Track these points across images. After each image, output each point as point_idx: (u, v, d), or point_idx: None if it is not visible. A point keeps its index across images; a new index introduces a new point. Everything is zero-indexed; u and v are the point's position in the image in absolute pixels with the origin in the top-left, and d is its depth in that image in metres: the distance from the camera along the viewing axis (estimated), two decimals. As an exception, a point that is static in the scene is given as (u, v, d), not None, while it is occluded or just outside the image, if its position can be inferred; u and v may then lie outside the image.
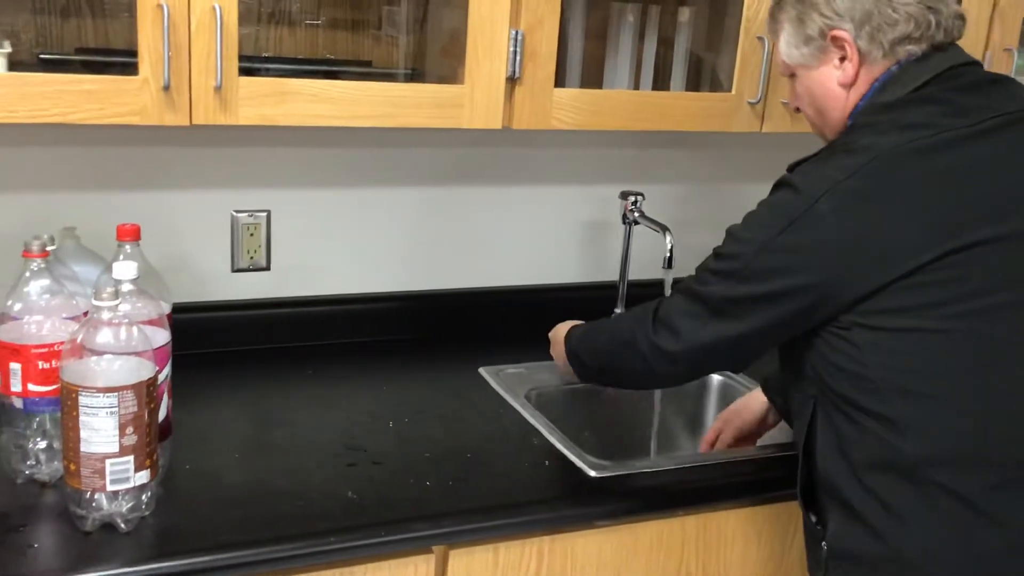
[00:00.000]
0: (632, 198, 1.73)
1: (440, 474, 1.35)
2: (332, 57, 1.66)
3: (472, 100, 1.44)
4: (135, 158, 1.58)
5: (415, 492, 1.30)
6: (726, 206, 2.01)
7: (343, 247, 1.76)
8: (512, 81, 1.46)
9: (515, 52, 1.44)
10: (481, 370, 1.69)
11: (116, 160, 1.57)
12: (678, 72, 1.72)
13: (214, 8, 1.26)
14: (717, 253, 1.24)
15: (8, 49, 1.26)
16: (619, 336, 1.35)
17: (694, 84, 1.76)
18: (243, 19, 1.31)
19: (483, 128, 1.47)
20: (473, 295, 1.86)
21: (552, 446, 1.44)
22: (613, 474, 1.37)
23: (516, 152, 1.83)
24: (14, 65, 1.28)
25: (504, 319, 1.88)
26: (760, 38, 1.58)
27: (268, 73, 1.46)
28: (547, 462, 1.41)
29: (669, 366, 1.29)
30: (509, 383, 1.64)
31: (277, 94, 1.35)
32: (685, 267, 1.81)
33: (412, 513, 1.25)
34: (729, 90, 1.61)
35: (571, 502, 1.33)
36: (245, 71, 1.33)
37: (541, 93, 1.48)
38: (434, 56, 1.64)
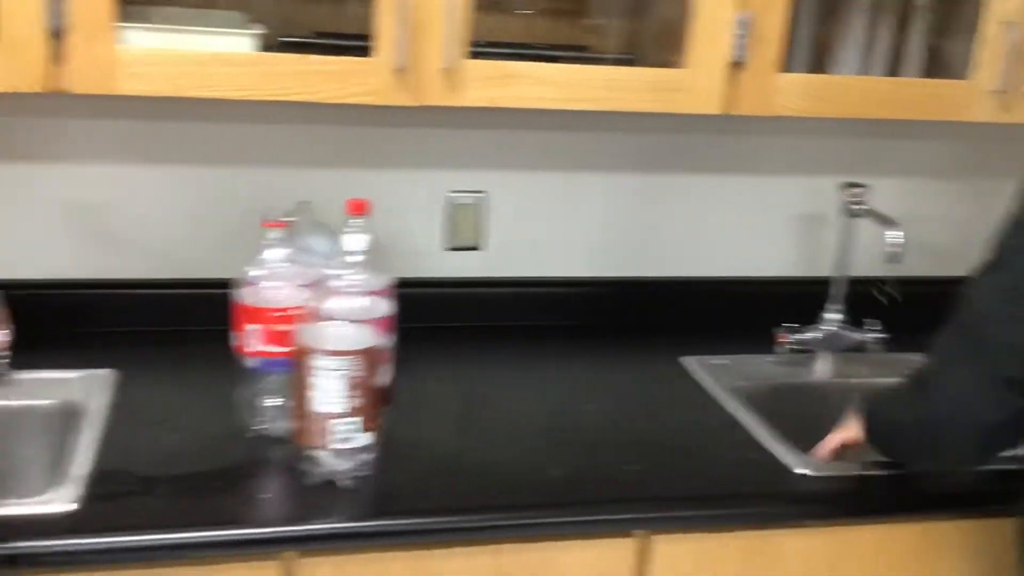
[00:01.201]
0: (856, 189, 1.66)
1: (642, 460, 1.34)
2: (549, 43, 1.67)
3: (693, 84, 1.42)
4: (363, 137, 1.66)
5: (617, 475, 1.30)
6: (962, 202, 1.90)
7: (555, 230, 1.78)
8: (736, 65, 1.43)
9: (741, 36, 1.41)
10: (683, 360, 1.67)
11: (346, 139, 1.65)
12: (913, 58, 1.63)
13: (447, -8, 1.31)
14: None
15: (260, 31, 1.34)
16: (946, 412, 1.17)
17: (929, 71, 1.66)
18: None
19: (702, 113, 1.44)
20: (681, 284, 1.84)
21: (758, 441, 1.41)
22: (825, 474, 1.33)
23: (733, 140, 1.79)
24: (263, 48, 1.36)
25: (710, 310, 1.85)
26: (1007, 23, 1.48)
27: (491, 57, 1.49)
28: (753, 456, 1.37)
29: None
30: (713, 374, 1.62)
31: (502, 76, 1.38)
32: (912, 265, 1.73)
33: (614, 495, 1.26)
34: (968, 78, 1.52)
35: (779, 499, 1.29)
36: (473, 55, 1.37)
37: (766, 78, 1.44)
38: (649, 42, 1.62)
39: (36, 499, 1.13)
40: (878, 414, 1.30)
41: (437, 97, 1.35)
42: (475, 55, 1.37)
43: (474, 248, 1.76)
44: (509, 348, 1.70)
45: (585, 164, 1.76)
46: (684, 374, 1.63)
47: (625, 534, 1.25)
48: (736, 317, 1.85)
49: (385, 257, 1.48)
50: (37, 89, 1.23)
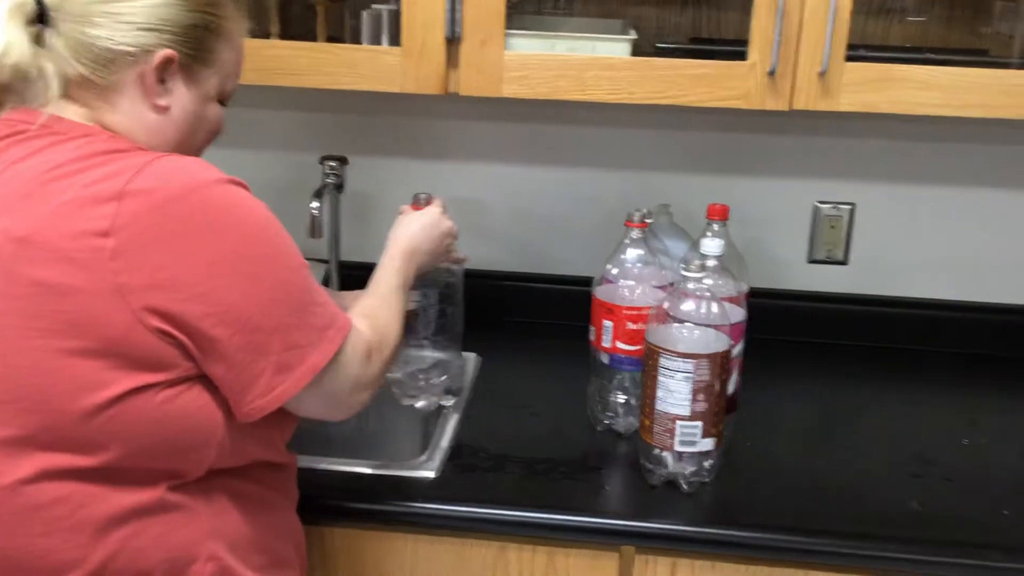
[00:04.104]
0: None
1: (1018, 503, 1.21)
2: (939, 47, 1.55)
3: (1111, 90, 1.26)
4: (728, 143, 1.64)
5: (989, 518, 1.18)
6: None
7: (926, 248, 1.65)
8: None
9: None
10: (1081, 400, 1.48)
11: (710, 144, 1.65)
12: None
13: (828, -5, 1.26)
14: None
15: (633, 36, 1.37)
16: None
17: None
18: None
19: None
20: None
21: None
22: None
23: None
24: (635, 53, 1.39)
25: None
26: None
27: (870, 61, 1.42)
28: None
29: None
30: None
31: (881, 80, 1.30)
32: None
33: (984, 539, 1.14)
34: None
35: None
36: (849, 58, 1.31)
37: None
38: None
39: (407, 463, 1.25)
40: None
41: (809, 102, 1.31)
42: (852, 59, 1.30)
43: (840, 263, 1.68)
44: (869, 369, 1.60)
45: (961, 178, 1.61)
46: (1080, 416, 1.45)
47: (995, 583, 1.13)
48: None
49: (744, 265, 1.45)
50: (435, 91, 1.35)
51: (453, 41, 1.33)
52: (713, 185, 1.66)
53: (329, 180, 1.53)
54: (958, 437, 1.38)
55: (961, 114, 1.31)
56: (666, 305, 1.22)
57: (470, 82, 1.34)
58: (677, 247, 1.46)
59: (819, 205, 1.66)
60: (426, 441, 1.32)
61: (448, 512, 1.18)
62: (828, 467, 1.29)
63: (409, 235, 1.24)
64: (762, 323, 1.56)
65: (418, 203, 1.32)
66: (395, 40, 1.37)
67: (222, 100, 1.04)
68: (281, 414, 0.96)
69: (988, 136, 1.59)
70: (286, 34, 1.47)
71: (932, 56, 1.48)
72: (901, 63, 1.32)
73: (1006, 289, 1.65)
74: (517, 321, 1.70)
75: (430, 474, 1.23)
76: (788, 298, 1.68)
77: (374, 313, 1.09)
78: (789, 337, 1.66)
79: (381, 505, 1.18)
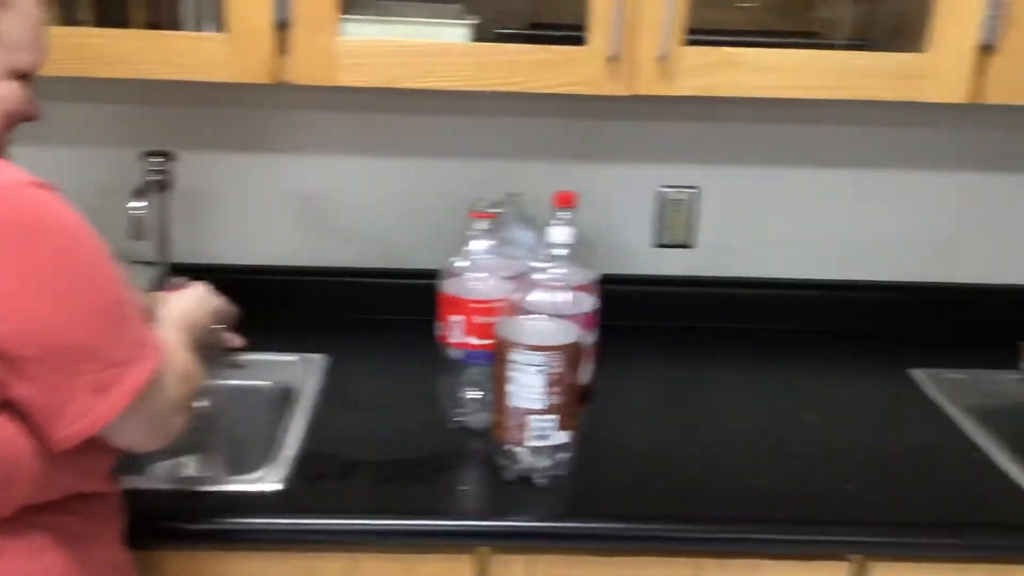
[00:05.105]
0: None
1: (862, 479, 1.24)
2: (773, 31, 1.58)
3: (935, 71, 1.30)
4: (574, 129, 1.63)
5: (834, 494, 1.21)
6: None
7: (769, 229, 1.68)
8: (985, 50, 1.29)
9: (992, 17, 1.27)
10: (913, 372, 1.54)
11: (557, 131, 1.63)
12: None
13: (664, -23, 1.25)
14: None
15: (475, 20, 1.33)
16: None
17: None
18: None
19: (944, 102, 1.31)
20: (909, 289, 1.70)
21: (998, 466, 1.27)
22: (1077, 508, 1.18)
23: (971, 134, 1.63)
24: (476, 38, 1.35)
25: (944, 319, 1.70)
26: None
27: (708, 45, 1.42)
28: (992, 483, 1.24)
29: None
30: (947, 389, 1.48)
31: (720, 64, 1.31)
32: None
33: (830, 515, 1.17)
34: None
35: (1020, 531, 1.16)
36: (687, 43, 1.31)
37: (1020, 63, 1.29)
38: (884, 28, 1.50)
39: (247, 477, 1.18)
40: None
41: (650, 86, 1.30)
42: (692, 43, 1.30)
43: (684, 246, 1.70)
44: (718, 351, 1.62)
45: (803, 159, 1.65)
46: (913, 388, 1.50)
47: (840, 558, 1.16)
48: (974, 328, 1.69)
49: (592, 252, 1.44)
50: (263, 80, 1.28)
51: (283, 26, 1.26)
52: (561, 172, 1.64)
53: (152, 177, 1.43)
54: (804, 414, 1.41)
55: (797, 95, 1.33)
56: (515, 297, 1.19)
57: (302, 70, 1.27)
58: (528, 237, 1.44)
59: (663, 189, 1.67)
60: (270, 451, 1.25)
61: (295, 526, 1.12)
62: (682, 451, 1.30)
63: (182, 308, 1.11)
64: (611, 310, 1.55)
65: (175, 287, 1.20)
66: (221, 26, 1.28)
67: (19, 77, 0.93)
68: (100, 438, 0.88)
69: (825, 117, 1.63)
70: (101, 21, 1.36)
71: (767, 40, 1.51)
72: (739, 47, 1.33)
73: (848, 267, 1.70)
74: (365, 319, 1.64)
75: (274, 486, 1.16)
76: (636, 283, 1.68)
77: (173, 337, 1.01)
78: (639, 322, 1.66)
79: (221, 523, 1.11)
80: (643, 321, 1.67)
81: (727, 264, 1.70)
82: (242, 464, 1.27)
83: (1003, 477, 1.25)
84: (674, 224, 1.69)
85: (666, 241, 1.70)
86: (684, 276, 1.70)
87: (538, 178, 1.61)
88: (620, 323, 1.61)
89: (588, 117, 1.62)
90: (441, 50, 1.29)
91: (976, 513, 1.18)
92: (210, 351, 1.18)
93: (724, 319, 1.69)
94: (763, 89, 1.32)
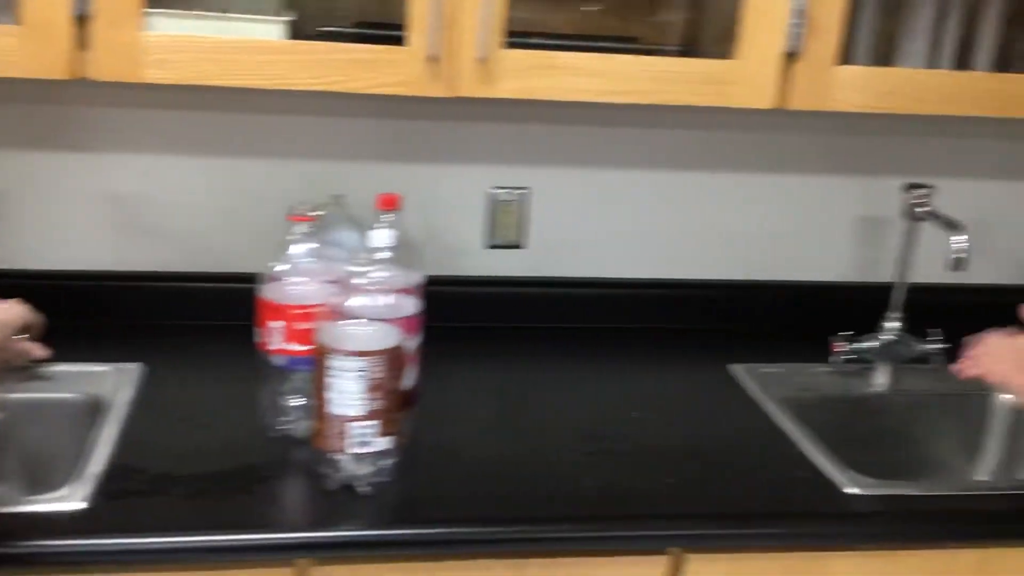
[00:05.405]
0: (919, 191, 1.56)
1: (682, 472, 1.27)
2: (599, 34, 1.61)
3: (744, 77, 1.34)
4: (403, 130, 1.61)
5: (654, 489, 1.23)
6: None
7: (600, 229, 1.71)
8: (791, 57, 1.34)
9: (796, 25, 1.32)
10: (732, 367, 1.59)
11: (385, 132, 1.60)
12: (984, 50, 1.52)
13: (483, -22, 1.25)
14: None
15: (291, 17, 1.30)
16: None
17: (1004, 64, 1.55)
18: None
19: (754, 107, 1.36)
20: (729, 287, 1.76)
21: (806, 456, 1.33)
22: (876, 493, 1.24)
23: (787, 138, 1.70)
24: (297, 36, 1.32)
25: (762, 315, 1.77)
26: (1089, 12, 1.37)
27: (531, 48, 1.43)
28: (800, 473, 1.29)
29: None
30: (763, 383, 1.53)
31: (541, 67, 1.32)
32: (976, 273, 1.62)
33: (649, 510, 1.19)
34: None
35: (827, 519, 1.21)
36: (510, 46, 1.31)
37: (823, 71, 1.35)
38: (706, 34, 1.54)
39: (47, 496, 1.10)
40: None
41: (471, 88, 1.30)
42: (515, 45, 1.31)
43: (516, 247, 1.70)
44: (550, 351, 1.63)
45: (631, 161, 1.69)
46: (732, 383, 1.55)
47: (659, 552, 1.18)
48: (790, 324, 1.76)
49: (420, 254, 1.43)
50: (61, 76, 1.20)
51: (83, 19, 1.19)
52: (390, 173, 1.62)
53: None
54: (628, 410, 1.44)
55: (617, 100, 1.35)
56: (334, 301, 1.17)
57: (104, 66, 1.21)
58: (352, 239, 1.41)
59: (494, 190, 1.67)
60: (75, 468, 1.18)
61: (99, 547, 1.06)
62: (510, 453, 1.30)
63: None
64: (442, 312, 1.54)
65: None
66: (15, 18, 1.20)
67: None
68: None
69: (650, 120, 1.66)
70: None
71: (588, 44, 1.53)
72: (563, 51, 1.34)
73: (673, 265, 1.75)
74: (183, 325, 1.57)
75: (77, 505, 1.09)
76: (468, 284, 1.68)
77: None
78: (470, 324, 1.66)
79: (16, 547, 1.03)
80: (475, 322, 1.67)
81: (557, 264, 1.71)
82: (43, 483, 1.19)
83: (812, 467, 1.30)
84: (505, 225, 1.70)
85: (498, 242, 1.70)
86: (516, 277, 1.71)
87: (368, 180, 1.58)
88: (453, 325, 1.62)
89: (419, 118, 1.60)
90: (256, 47, 1.25)
91: (786, 503, 1.23)
92: (9, 363, 1.10)
93: (555, 319, 1.71)
94: (582, 93, 1.34)
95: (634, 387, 1.53)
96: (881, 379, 1.60)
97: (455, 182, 1.65)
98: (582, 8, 1.60)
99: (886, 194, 1.69)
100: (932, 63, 1.51)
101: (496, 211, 1.68)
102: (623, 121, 1.66)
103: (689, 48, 1.54)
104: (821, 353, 1.62)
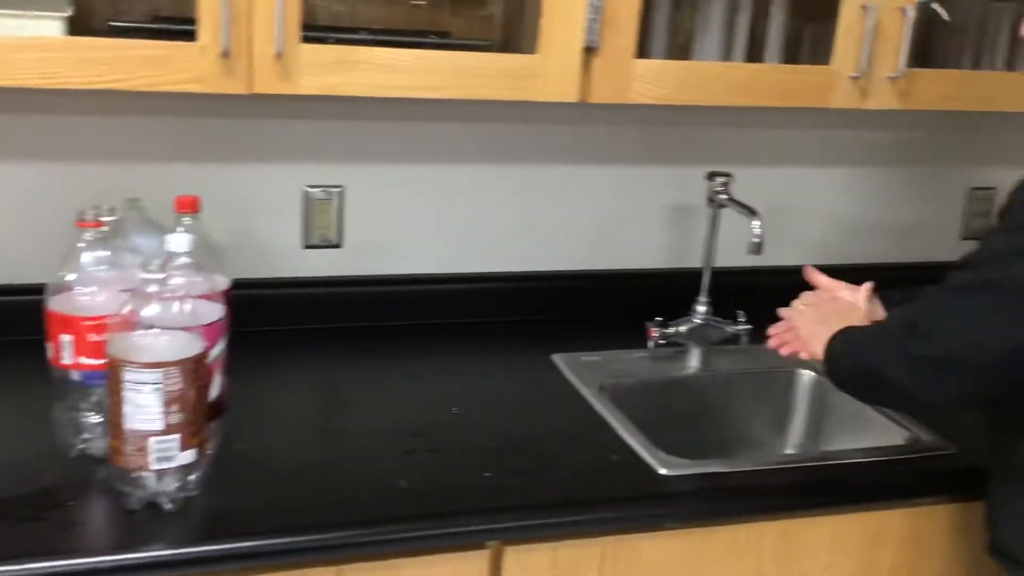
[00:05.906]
0: (720, 179, 1.62)
1: (500, 466, 1.28)
2: (406, 28, 1.59)
3: (546, 71, 1.36)
4: (209, 129, 1.55)
5: (472, 484, 1.23)
6: (824, 191, 1.89)
7: (418, 225, 1.70)
8: (589, 51, 1.37)
9: (593, 20, 1.35)
10: (554, 357, 1.61)
11: (187, 131, 1.54)
12: (774, 43, 1.60)
13: (276, -29, 1.22)
14: (1009, 229, 1.04)
15: (69, 12, 1.22)
16: (876, 352, 1.13)
17: (792, 56, 1.63)
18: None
19: (557, 101, 1.38)
20: (548, 278, 1.78)
21: (622, 440, 1.36)
22: (685, 472, 1.28)
23: (596, 130, 1.74)
24: (82, 32, 1.25)
25: (581, 304, 1.80)
26: (864, 7, 1.45)
27: (336, 43, 1.41)
28: (616, 457, 1.32)
29: (955, 386, 1.05)
30: (583, 372, 1.56)
31: (342, 62, 1.29)
32: (775, 255, 1.70)
33: (466, 506, 1.19)
34: (829, 63, 1.49)
35: (638, 501, 1.24)
36: (313, 40, 1.28)
37: (620, 64, 1.38)
38: (527, 29, 1.55)
39: None
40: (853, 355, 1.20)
41: (268, 85, 1.26)
42: (321, 40, 1.28)
43: (333, 246, 1.67)
44: (369, 351, 1.61)
45: (446, 156, 1.68)
46: (555, 373, 1.57)
47: (478, 546, 1.18)
48: (609, 312, 1.81)
49: (236, 257, 1.38)
50: None
51: None
52: (196, 174, 1.56)
53: None
54: (449, 407, 1.43)
55: (421, 95, 1.34)
56: (128, 311, 1.11)
57: None
58: (153, 245, 1.34)
59: (308, 189, 1.63)
60: None
61: None
62: (325, 457, 1.27)
63: None
64: (258, 315, 1.50)
65: None
66: None
67: None
68: None
69: (464, 115, 1.66)
70: None
71: (395, 39, 1.51)
72: (367, 45, 1.31)
73: (493, 259, 1.76)
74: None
75: None
76: (285, 286, 1.64)
77: None
78: (288, 326, 1.62)
79: None
80: (293, 325, 1.63)
81: (375, 262, 1.69)
82: None
83: (628, 451, 1.33)
84: (322, 224, 1.66)
85: (315, 242, 1.67)
86: (333, 276, 1.68)
87: (170, 182, 1.52)
88: (269, 328, 1.58)
89: (228, 116, 1.55)
90: (32, 45, 1.18)
91: (602, 488, 1.25)
92: None
93: (375, 318, 1.69)
94: (390, 89, 1.32)
95: (456, 383, 1.53)
96: (693, 362, 1.66)
97: (267, 181, 1.60)
98: (412, 3, 1.58)
99: (692, 183, 1.74)
100: (726, 56, 1.57)
101: (312, 210, 1.65)
102: (436, 116, 1.65)
103: (508, 43, 1.55)
104: (639, 339, 1.66)
